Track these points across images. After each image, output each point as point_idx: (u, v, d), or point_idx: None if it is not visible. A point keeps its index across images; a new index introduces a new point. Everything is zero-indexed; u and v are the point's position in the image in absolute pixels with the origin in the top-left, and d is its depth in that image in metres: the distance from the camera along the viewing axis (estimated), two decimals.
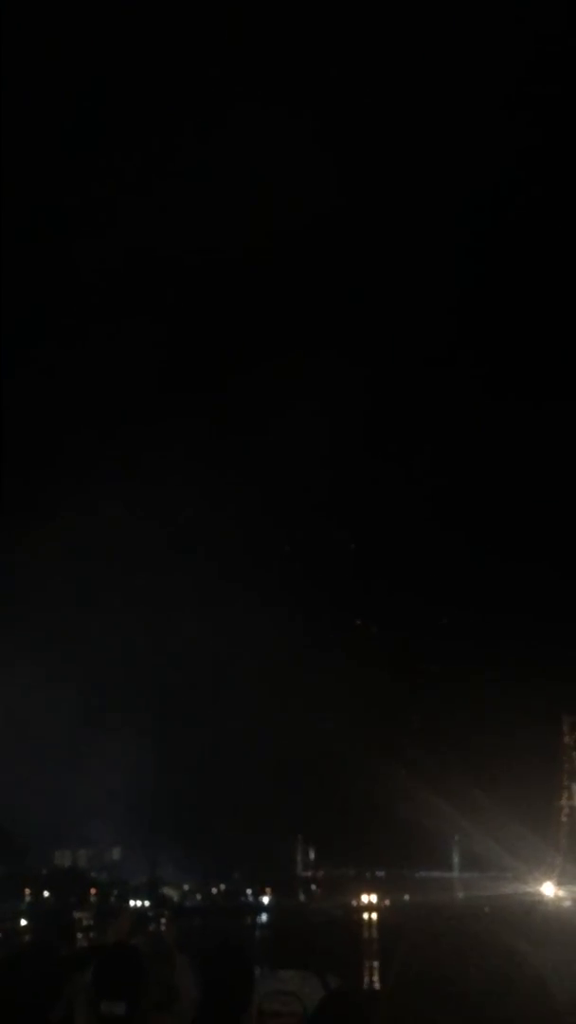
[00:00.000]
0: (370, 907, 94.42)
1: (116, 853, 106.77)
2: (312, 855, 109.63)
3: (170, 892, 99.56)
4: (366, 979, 33.33)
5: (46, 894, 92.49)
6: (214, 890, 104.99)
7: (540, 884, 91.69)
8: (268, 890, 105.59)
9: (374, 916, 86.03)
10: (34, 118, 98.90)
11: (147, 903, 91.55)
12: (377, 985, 30.18)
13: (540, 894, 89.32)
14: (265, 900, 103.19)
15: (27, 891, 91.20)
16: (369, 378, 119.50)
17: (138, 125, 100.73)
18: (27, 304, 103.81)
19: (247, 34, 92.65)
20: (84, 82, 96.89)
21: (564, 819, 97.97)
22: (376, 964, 41.77)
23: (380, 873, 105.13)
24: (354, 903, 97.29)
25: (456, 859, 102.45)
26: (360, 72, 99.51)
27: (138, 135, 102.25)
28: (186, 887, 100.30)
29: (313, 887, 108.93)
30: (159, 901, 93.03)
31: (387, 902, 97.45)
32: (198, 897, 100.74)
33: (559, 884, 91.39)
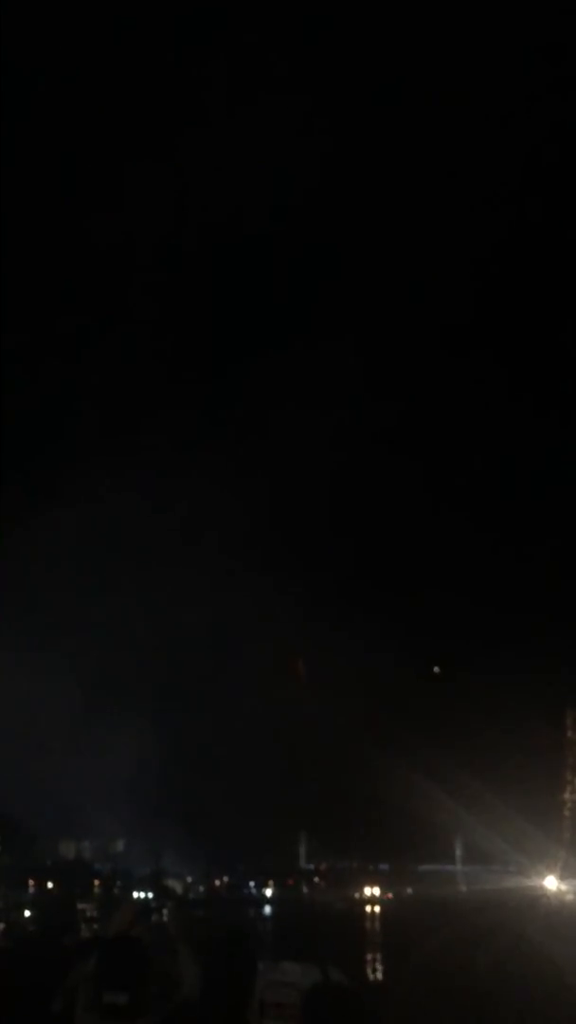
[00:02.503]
0: (373, 900, 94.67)
1: (120, 844, 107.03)
2: (315, 848, 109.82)
3: (173, 884, 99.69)
4: (368, 971, 33.41)
5: (50, 885, 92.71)
6: (217, 882, 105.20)
7: (543, 878, 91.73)
8: (271, 882, 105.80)
9: (377, 909, 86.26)
10: (28, 101, 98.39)
11: (150, 894, 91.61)
12: (379, 977, 30.26)
13: (543, 888, 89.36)
14: (268, 893, 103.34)
15: (31, 882, 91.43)
16: (373, 370, 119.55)
17: (138, 115, 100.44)
18: (26, 301, 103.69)
19: (247, 29, 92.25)
20: (82, 61, 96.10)
21: (567, 813, 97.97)
22: (378, 956, 41.90)
23: (383, 866, 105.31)
24: (357, 896, 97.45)
25: (459, 853, 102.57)
26: (362, 61, 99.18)
27: (137, 125, 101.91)
28: (189, 879, 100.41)
29: (316, 880, 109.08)
30: (162, 892, 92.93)
31: (390, 895, 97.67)
32: (201, 889, 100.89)
33: (562, 878, 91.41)
